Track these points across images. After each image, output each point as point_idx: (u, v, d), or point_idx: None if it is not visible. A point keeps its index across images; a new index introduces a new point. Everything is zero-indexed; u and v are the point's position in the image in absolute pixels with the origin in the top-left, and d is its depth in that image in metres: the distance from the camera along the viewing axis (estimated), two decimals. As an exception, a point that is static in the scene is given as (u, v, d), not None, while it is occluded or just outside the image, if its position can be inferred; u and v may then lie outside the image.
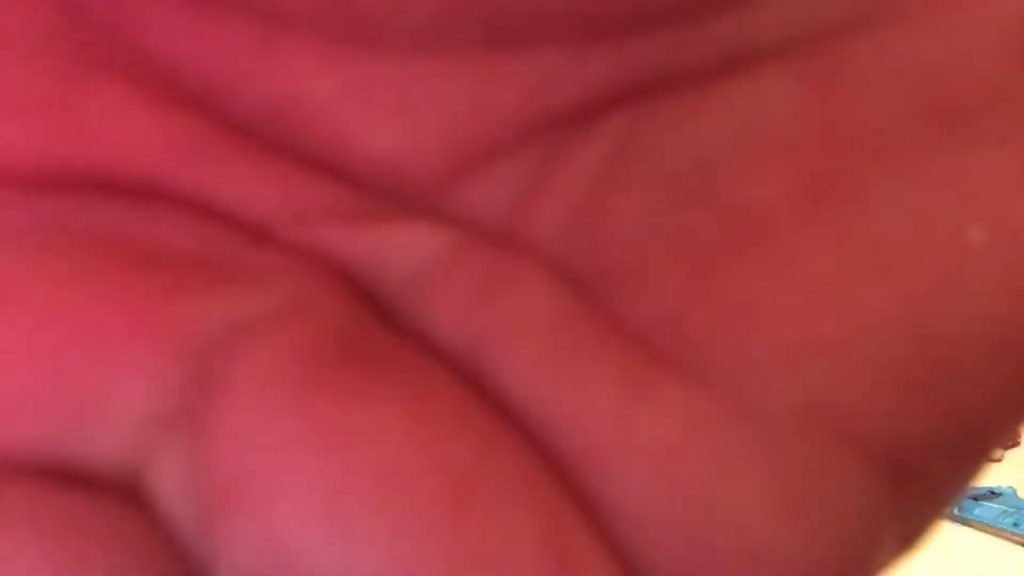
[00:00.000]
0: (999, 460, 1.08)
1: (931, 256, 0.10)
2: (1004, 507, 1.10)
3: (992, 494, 1.10)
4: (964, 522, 1.07)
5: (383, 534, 0.09)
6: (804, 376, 0.10)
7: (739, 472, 0.10)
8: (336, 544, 0.09)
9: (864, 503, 0.10)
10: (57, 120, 0.11)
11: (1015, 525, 1.09)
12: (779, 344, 0.10)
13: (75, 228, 0.11)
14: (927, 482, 0.10)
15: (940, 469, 0.10)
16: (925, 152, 0.10)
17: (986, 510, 1.09)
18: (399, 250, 0.11)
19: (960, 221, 0.10)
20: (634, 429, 0.10)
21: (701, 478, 0.10)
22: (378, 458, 0.10)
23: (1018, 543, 1.09)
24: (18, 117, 0.11)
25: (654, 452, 0.10)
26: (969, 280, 0.10)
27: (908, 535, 0.11)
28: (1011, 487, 1.12)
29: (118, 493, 0.10)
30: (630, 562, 0.10)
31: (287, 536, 0.09)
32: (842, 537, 0.10)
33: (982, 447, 0.11)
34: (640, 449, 0.10)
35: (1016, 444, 1.09)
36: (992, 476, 1.08)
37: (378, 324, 0.11)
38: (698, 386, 0.10)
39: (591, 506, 0.10)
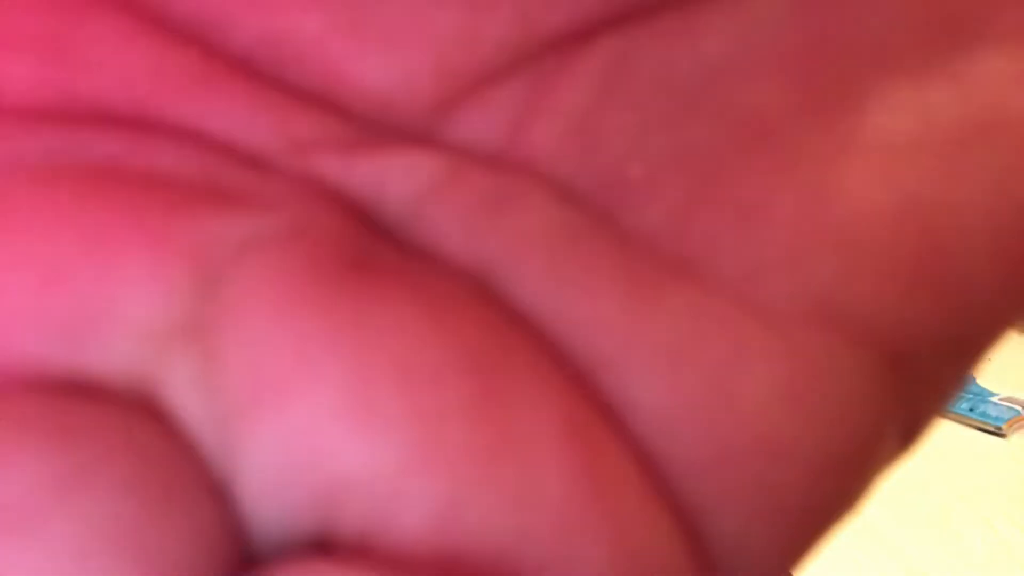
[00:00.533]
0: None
1: (931, 152, 0.10)
2: (962, 392, 1.12)
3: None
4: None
5: (410, 426, 0.09)
6: (813, 272, 0.10)
7: (751, 367, 0.10)
8: (362, 438, 0.09)
9: (869, 395, 0.10)
10: (50, 52, 0.11)
11: (970, 410, 1.12)
12: (787, 242, 0.10)
13: (79, 154, 0.10)
14: (927, 375, 0.11)
15: (940, 363, 0.11)
16: (923, 56, 0.10)
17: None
18: (396, 176, 0.11)
19: (959, 117, 0.10)
20: (646, 329, 0.10)
21: (714, 374, 0.10)
22: (400, 353, 0.10)
23: (971, 426, 1.11)
24: (10, 50, 0.11)
25: (667, 350, 0.10)
26: (968, 175, 0.10)
27: (908, 430, 0.11)
28: (971, 374, 1.15)
29: (131, 402, 0.10)
30: (647, 457, 0.10)
31: (312, 432, 0.09)
32: (849, 429, 0.10)
33: (980, 343, 0.11)
34: (653, 348, 0.10)
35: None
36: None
37: (383, 242, 0.11)
38: (707, 285, 0.10)
39: (607, 406, 0.10)
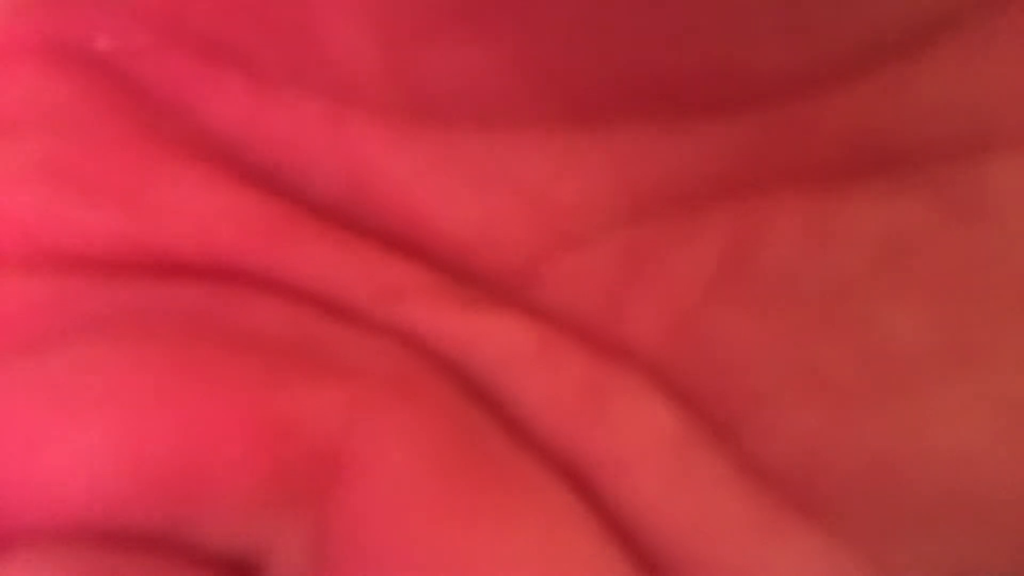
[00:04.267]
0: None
1: None
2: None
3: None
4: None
5: None
6: (945, 538, 0.10)
7: None
8: None
9: None
10: (129, 204, 0.11)
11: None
12: (923, 505, 0.10)
13: (167, 314, 0.10)
14: None
15: None
16: None
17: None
18: (485, 338, 0.11)
19: None
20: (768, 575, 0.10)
21: None
22: None
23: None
24: (92, 203, 0.11)
25: None
26: None
27: None
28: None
29: (236, 567, 0.10)
30: None
31: None
32: None
33: None
34: None
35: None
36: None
37: (481, 412, 0.10)
38: (834, 534, 0.10)
39: None
